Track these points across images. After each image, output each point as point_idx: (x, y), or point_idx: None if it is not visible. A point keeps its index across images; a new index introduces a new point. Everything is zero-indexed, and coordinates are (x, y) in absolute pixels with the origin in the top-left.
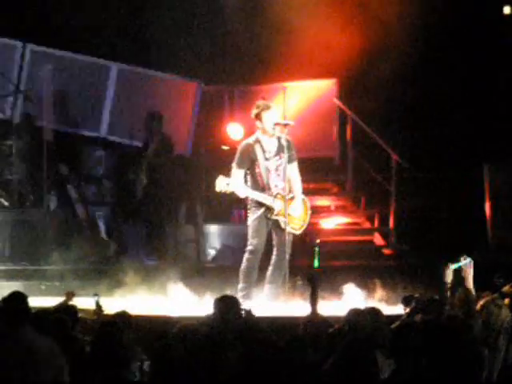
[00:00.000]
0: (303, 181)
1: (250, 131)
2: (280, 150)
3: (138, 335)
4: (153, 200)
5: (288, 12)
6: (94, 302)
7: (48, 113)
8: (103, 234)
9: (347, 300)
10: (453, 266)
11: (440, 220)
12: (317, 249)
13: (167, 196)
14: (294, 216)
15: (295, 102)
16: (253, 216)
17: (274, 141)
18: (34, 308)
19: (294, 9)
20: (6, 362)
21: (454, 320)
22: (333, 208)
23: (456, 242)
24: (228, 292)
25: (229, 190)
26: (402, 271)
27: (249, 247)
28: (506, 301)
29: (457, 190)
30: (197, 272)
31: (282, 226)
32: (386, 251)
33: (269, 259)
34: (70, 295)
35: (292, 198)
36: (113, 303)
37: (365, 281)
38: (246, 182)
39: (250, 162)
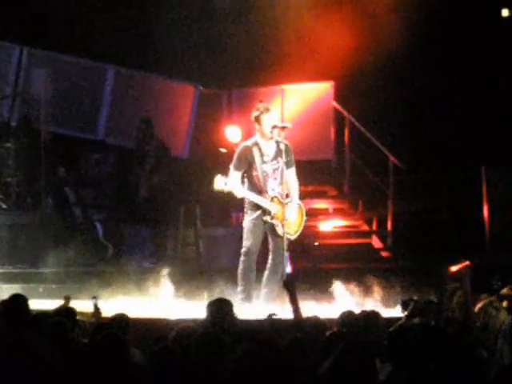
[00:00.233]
0: (301, 184)
1: (248, 134)
2: (278, 154)
3: (136, 338)
4: (152, 203)
5: (285, 15)
6: (92, 305)
7: (46, 115)
8: (101, 237)
9: (341, 302)
10: (451, 269)
11: (438, 222)
12: (287, 254)
13: (166, 199)
14: (290, 221)
15: (293, 105)
16: (248, 218)
17: (272, 144)
18: (33, 310)
19: (292, 12)
20: (5, 364)
21: (453, 323)
22: (331, 211)
23: (454, 245)
24: (227, 295)
25: (226, 189)
26: (399, 274)
27: (243, 249)
28: (504, 303)
29: (455, 193)
30: (196, 275)
31: (278, 229)
32: (384, 254)
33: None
34: (67, 298)
35: (288, 203)
36: (111, 306)
37: (362, 283)
38: (242, 184)
39: (247, 165)
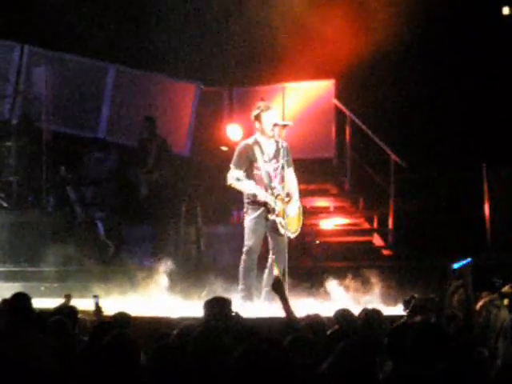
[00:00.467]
0: (302, 182)
1: (249, 132)
2: (278, 153)
3: (137, 336)
4: (153, 201)
5: (286, 13)
6: (93, 303)
7: (47, 114)
8: (102, 235)
9: (342, 300)
10: (452, 267)
11: (439, 220)
12: (274, 256)
13: (167, 197)
14: (291, 220)
15: (294, 103)
16: (249, 217)
17: (272, 143)
18: (34, 309)
19: (293, 10)
20: (9, 362)
21: (454, 320)
22: (332, 209)
23: (455, 243)
24: (229, 293)
25: (238, 186)
26: (400, 272)
27: (245, 248)
28: (506, 301)
29: (456, 191)
30: (196, 273)
31: (280, 227)
32: (385, 252)
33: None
34: (68, 297)
35: (289, 202)
36: (112, 304)
37: (363, 281)
38: None
39: (248, 163)
